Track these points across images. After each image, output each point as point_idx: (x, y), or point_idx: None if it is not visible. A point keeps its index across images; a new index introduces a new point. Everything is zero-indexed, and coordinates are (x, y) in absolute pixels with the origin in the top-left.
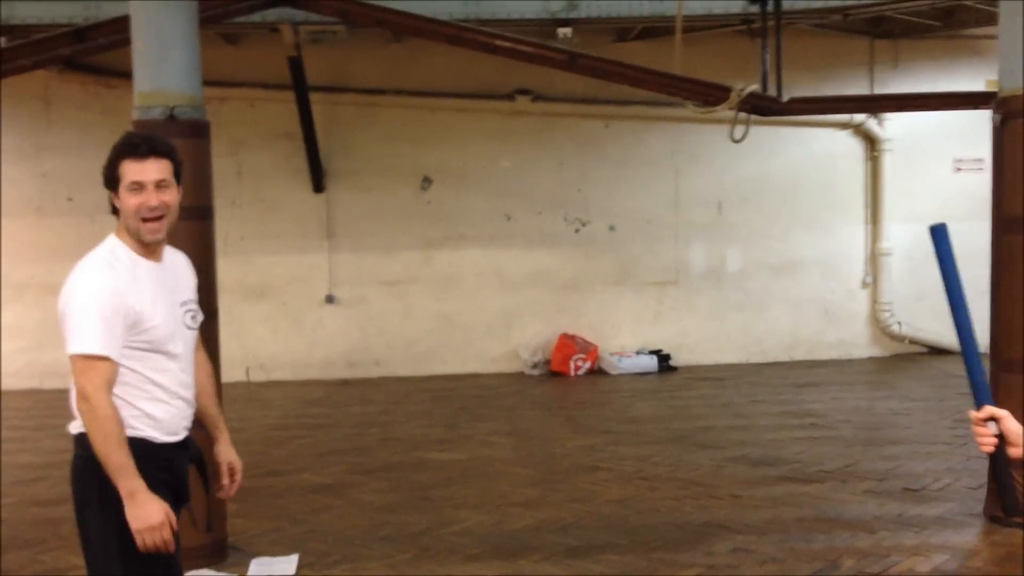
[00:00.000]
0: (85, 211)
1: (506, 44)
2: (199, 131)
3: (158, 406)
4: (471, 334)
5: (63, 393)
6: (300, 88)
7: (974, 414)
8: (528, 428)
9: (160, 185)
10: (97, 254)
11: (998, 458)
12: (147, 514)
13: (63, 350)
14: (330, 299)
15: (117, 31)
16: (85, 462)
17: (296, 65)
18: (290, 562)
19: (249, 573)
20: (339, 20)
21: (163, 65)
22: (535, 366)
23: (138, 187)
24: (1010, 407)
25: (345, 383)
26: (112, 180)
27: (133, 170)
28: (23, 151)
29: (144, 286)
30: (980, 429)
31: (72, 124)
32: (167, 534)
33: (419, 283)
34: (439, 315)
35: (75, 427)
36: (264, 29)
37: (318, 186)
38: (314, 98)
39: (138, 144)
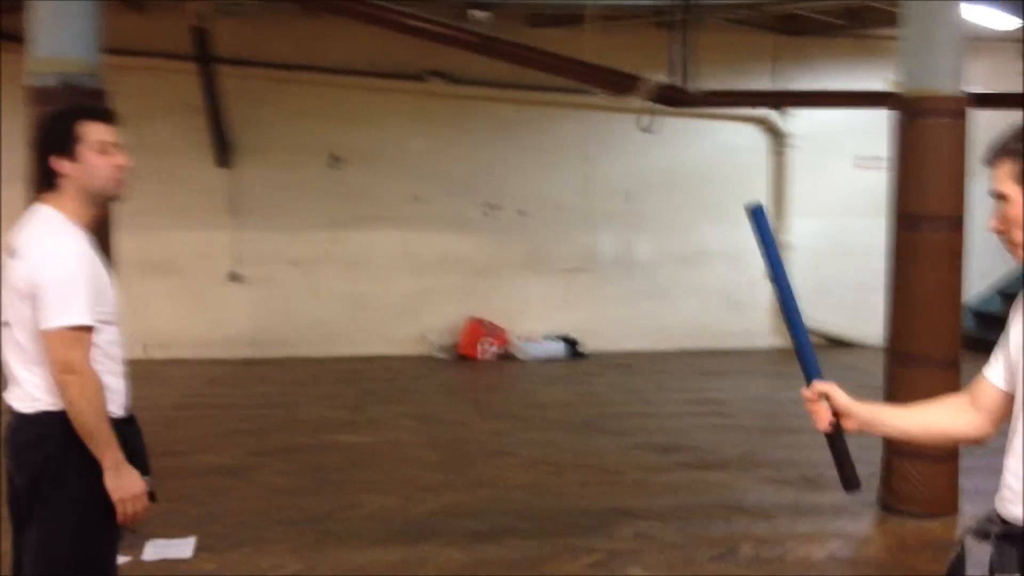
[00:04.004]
0: None
1: (420, 24)
2: (96, 100)
3: (116, 380)
4: (380, 316)
5: None
6: (205, 60)
7: (806, 392)
8: (435, 412)
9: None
10: (53, 223)
11: (835, 435)
12: (131, 484)
13: None
14: (235, 276)
15: None
16: (57, 440)
17: (201, 36)
18: (187, 544)
19: (144, 556)
20: None
21: (59, 30)
22: (444, 349)
23: (109, 148)
24: (908, 400)
25: (249, 362)
26: (67, 141)
27: (102, 131)
28: None
29: (97, 256)
30: (814, 407)
31: None
32: (146, 503)
33: (327, 263)
34: (347, 296)
35: (37, 405)
36: None
37: (224, 161)
38: (224, 71)
39: (102, 109)
